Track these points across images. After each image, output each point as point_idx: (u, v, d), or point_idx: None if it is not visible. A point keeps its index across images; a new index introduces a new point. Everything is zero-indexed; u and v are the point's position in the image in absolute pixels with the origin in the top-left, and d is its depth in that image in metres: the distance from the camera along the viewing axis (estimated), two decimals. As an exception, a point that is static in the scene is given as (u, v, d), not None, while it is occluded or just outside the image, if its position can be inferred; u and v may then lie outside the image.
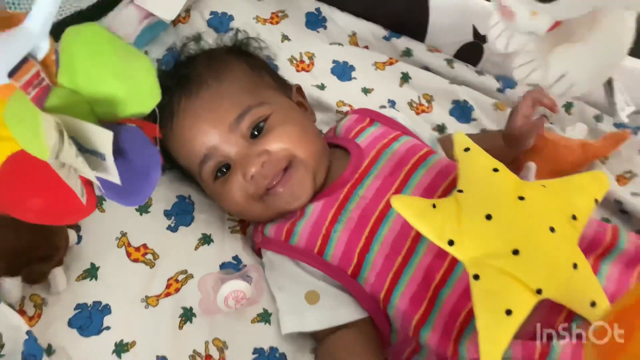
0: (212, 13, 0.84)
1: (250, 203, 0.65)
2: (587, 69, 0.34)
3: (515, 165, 0.78)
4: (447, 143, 0.73)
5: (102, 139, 0.35)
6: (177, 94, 0.65)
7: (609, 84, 0.43)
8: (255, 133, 0.65)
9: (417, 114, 0.85)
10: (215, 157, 0.65)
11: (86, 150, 0.36)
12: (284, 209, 0.65)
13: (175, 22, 0.81)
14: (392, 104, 0.84)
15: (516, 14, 0.32)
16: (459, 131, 0.63)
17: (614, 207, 0.77)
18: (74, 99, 0.35)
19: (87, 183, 0.38)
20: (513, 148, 0.76)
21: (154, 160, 0.38)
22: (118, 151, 0.36)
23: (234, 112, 0.65)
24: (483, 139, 0.80)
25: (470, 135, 0.82)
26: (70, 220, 0.42)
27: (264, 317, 0.63)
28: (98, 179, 0.36)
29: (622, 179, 0.81)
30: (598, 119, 0.85)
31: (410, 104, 0.85)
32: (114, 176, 0.36)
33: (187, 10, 0.82)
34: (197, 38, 0.80)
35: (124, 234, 0.64)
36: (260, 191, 0.64)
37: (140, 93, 0.36)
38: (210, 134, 0.64)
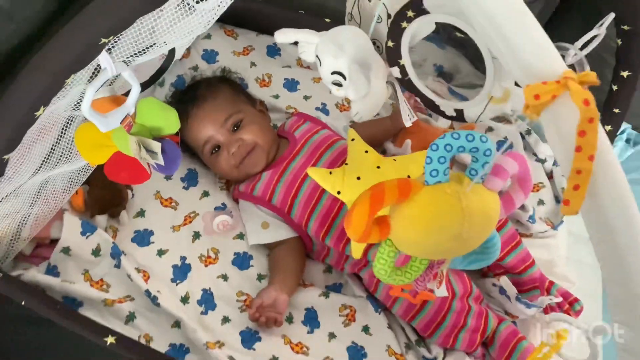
0: (204, 50, 1.27)
1: (231, 169, 1.09)
2: (367, 109, 0.79)
3: (398, 142, 1.23)
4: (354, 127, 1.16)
5: (156, 146, 0.80)
6: (190, 105, 1.08)
7: (398, 105, 0.87)
8: (235, 128, 1.09)
9: (341, 111, 1.29)
10: (211, 142, 1.09)
11: (149, 151, 0.81)
12: (250, 172, 1.09)
13: (180, 58, 1.26)
14: (324, 105, 1.28)
15: (331, 90, 0.76)
16: (351, 128, 1.07)
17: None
18: (143, 129, 0.81)
19: (148, 164, 0.84)
20: (394, 122, 1.16)
21: (178, 154, 0.84)
22: (162, 150, 0.82)
23: (223, 116, 1.08)
24: (377, 121, 1.24)
25: (368, 121, 1.25)
26: (140, 182, 0.87)
27: (240, 236, 1.09)
28: (156, 163, 0.82)
29: (474, 151, 1.25)
30: (460, 112, 1.28)
31: (336, 105, 1.29)
32: (160, 162, 0.82)
33: (188, 49, 1.26)
34: (195, 68, 1.26)
35: (158, 192, 1.10)
36: (237, 162, 1.09)
37: (171, 125, 0.82)
38: (209, 129, 1.08)
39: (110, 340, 0.80)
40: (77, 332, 0.81)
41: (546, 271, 1.13)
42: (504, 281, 1.09)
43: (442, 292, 0.77)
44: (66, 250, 0.97)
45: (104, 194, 1.01)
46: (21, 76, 0.64)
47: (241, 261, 1.06)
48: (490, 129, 1.25)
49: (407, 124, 0.89)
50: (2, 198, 0.82)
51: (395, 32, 0.70)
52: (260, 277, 1.06)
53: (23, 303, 0.82)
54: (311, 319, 1.03)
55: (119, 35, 0.64)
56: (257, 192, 1.08)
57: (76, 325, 0.81)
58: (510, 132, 1.24)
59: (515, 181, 0.75)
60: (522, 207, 1.13)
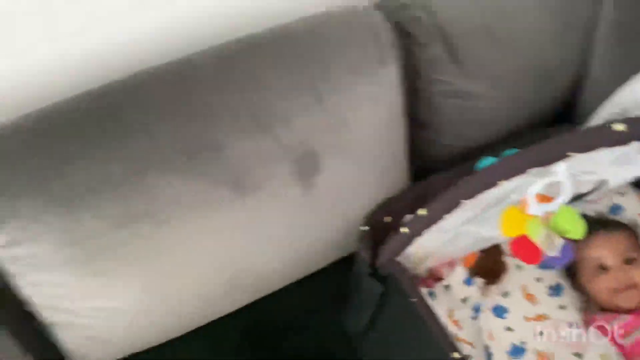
0: (613, 203, 1.43)
1: (605, 291, 1.24)
2: None
3: None
4: None
5: (558, 242, 1.05)
6: (603, 226, 1.30)
7: None
8: (628, 262, 1.25)
9: None
10: (602, 262, 1.26)
11: (550, 243, 1.06)
12: (618, 304, 1.22)
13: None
14: None
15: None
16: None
17: None
18: (555, 226, 1.06)
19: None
20: None
21: (569, 255, 1.06)
22: (562, 246, 1.05)
23: (623, 247, 1.26)
24: None
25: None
26: (531, 263, 1.11)
27: (578, 355, 1.22)
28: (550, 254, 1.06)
29: None
30: None
31: None
32: (556, 255, 1.05)
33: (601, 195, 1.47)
34: (601, 212, 1.45)
35: (525, 286, 1.31)
36: (616, 288, 1.23)
37: (577, 233, 1.04)
38: (607, 250, 1.26)
39: (456, 355, 1.06)
40: (436, 337, 1.10)
41: None
42: None
43: None
44: (447, 287, 1.29)
45: (490, 265, 1.30)
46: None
47: (567, 377, 1.18)
48: None
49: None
50: (439, 230, 1.19)
51: None
52: (578, 398, 1.15)
53: (412, 299, 1.16)
54: None
55: (576, 154, 0.92)
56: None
57: (439, 333, 1.10)
58: None
59: None
60: None
